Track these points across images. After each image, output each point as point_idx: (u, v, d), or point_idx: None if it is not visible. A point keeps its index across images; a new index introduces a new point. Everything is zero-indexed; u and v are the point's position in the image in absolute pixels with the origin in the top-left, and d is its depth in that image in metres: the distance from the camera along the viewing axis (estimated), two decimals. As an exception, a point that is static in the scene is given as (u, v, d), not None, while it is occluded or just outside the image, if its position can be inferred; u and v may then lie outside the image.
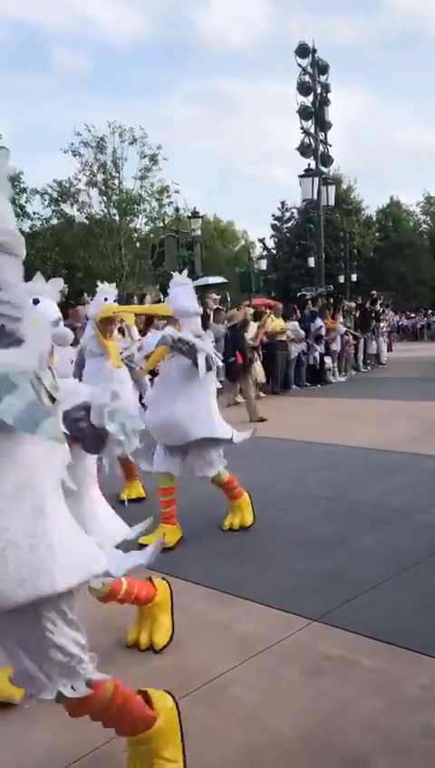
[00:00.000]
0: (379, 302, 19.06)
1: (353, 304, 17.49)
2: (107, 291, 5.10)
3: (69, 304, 9.99)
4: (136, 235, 18.86)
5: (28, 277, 1.90)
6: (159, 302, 12.34)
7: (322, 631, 3.00)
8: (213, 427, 4.24)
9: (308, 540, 4.21)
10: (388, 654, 2.76)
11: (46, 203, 19.18)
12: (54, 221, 19.73)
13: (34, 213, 20.04)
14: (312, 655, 2.80)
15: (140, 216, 18.61)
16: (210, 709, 2.44)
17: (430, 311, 37.06)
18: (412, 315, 35.95)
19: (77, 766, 2.16)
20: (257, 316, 12.36)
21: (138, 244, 18.91)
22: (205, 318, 10.81)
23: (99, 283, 5.23)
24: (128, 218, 18.30)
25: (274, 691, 2.55)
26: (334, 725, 2.31)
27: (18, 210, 20.10)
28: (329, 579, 3.58)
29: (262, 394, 11.92)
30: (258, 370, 11.69)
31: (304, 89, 18.07)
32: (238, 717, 2.38)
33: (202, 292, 13.78)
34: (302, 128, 18.15)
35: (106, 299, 5.05)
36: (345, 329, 14.75)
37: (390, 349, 20.17)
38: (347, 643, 2.88)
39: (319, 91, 18.33)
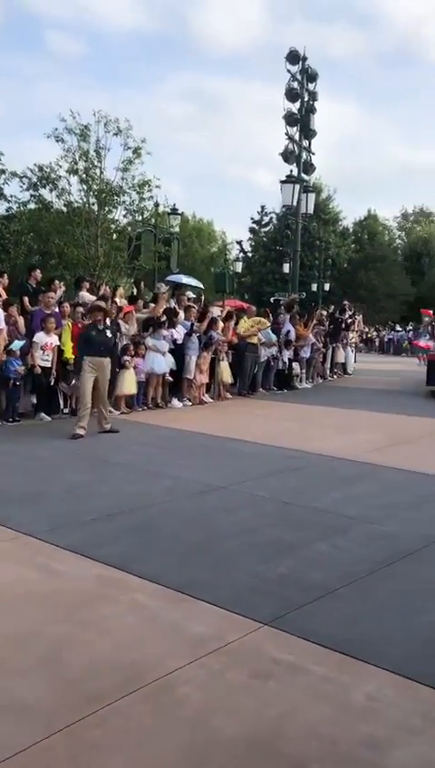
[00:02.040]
0: (348, 312, 19.23)
1: (325, 313, 17.60)
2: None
3: (39, 291, 9.88)
4: (114, 226, 18.69)
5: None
6: (133, 295, 12.31)
7: (272, 635, 3.00)
8: None
9: (264, 543, 4.22)
10: (337, 662, 2.77)
11: (25, 186, 18.91)
12: (32, 205, 19.48)
13: (12, 196, 19.76)
14: (261, 658, 2.80)
15: (119, 208, 18.45)
16: (156, 708, 2.41)
17: (397, 325, 37.56)
18: (399, 329, 36.29)
19: None
20: (228, 317, 12.39)
21: (114, 236, 18.74)
22: (175, 314, 10.79)
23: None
24: (106, 209, 18.12)
25: (222, 692, 2.54)
26: (280, 730, 2.31)
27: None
28: (282, 583, 3.59)
29: (228, 395, 11.94)
30: (224, 371, 11.72)
31: (291, 95, 18.13)
32: (185, 717, 2.37)
33: (176, 289, 13.73)
34: (287, 134, 18.22)
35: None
36: (314, 340, 14.84)
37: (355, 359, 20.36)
38: (297, 649, 2.88)
39: (306, 98, 18.42)
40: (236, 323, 12.49)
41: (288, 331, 13.78)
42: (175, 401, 10.66)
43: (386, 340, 35.42)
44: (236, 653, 2.84)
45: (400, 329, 36.59)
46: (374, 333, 36.84)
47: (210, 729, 2.30)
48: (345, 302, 20.75)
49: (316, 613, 3.22)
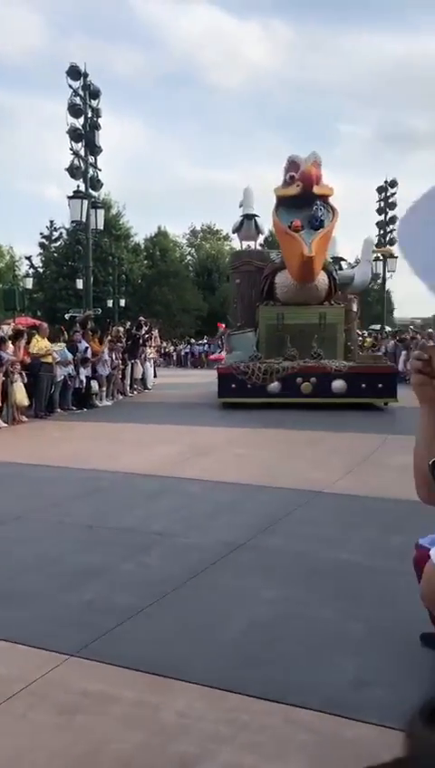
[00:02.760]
0: (145, 327, 19.48)
1: (121, 329, 17.66)
2: None
3: None
4: None
5: None
6: None
7: (80, 666, 2.91)
8: None
9: (68, 571, 4.08)
10: (146, 684, 2.75)
11: None
12: None
13: None
14: (69, 692, 2.69)
15: None
16: None
17: (192, 339, 38.80)
18: (195, 342, 37.26)
19: None
20: (17, 335, 11.93)
21: None
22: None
23: None
24: None
25: (27, 737, 2.40)
26: (92, 766, 2.23)
27: None
28: (89, 610, 3.50)
29: (24, 418, 11.48)
30: (18, 392, 11.26)
31: (74, 110, 18.00)
32: (-14, 773, 2.20)
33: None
34: (72, 149, 18.06)
35: None
36: (107, 357, 14.77)
37: (154, 374, 20.65)
38: (106, 676, 2.81)
39: (90, 114, 18.41)
40: (29, 342, 12.06)
41: (86, 348, 13.60)
42: (-34, 428, 10.02)
43: (183, 353, 36.39)
44: (41, 691, 2.70)
45: (194, 341, 37.82)
46: (172, 347, 37.69)
47: (16, 780, 2.16)
48: (142, 318, 20.98)
49: (124, 637, 3.18)
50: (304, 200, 13.23)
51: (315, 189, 13.31)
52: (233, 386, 12.85)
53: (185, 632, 3.22)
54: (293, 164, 13.61)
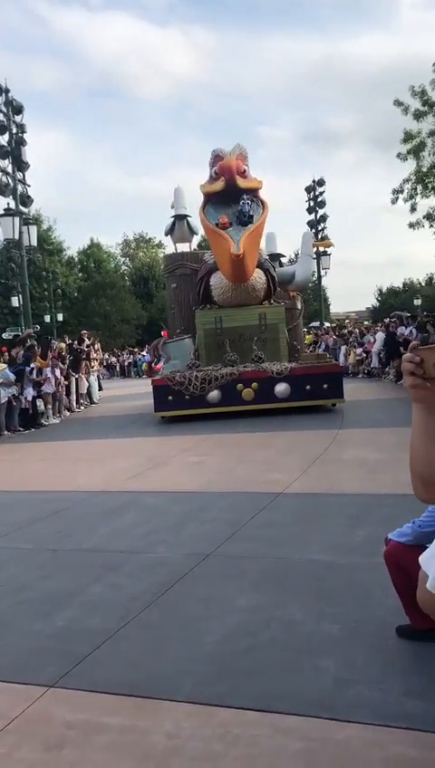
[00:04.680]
0: (87, 341, 19.27)
1: (63, 345, 17.41)
2: None
3: None
4: None
5: None
6: None
7: (61, 697, 2.84)
8: None
9: (35, 598, 3.99)
10: (132, 707, 2.71)
11: None
12: None
13: None
14: (53, 726, 2.63)
15: None
16: None
17: (136, 348, 38.55)
18: (139, 352, 36.79)
19: None
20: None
21: None
22: None
23: None
24: None
25: (14, 778, 2.34)
26: (84, 800, 2.18)
27: None
28: (63, 637, 3.42)
29: (-29, 443, 11.19)
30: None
31: (-2, 127, 17.71)
32: None
33: None
34: (-2, 167, 17.75)
35: None
36: (49, 375, 14.52)
37: (100, 387, 20.45)
38: (89, 704, 2.76)
39: (15, 131, 18.12)
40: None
41: (32, 369, 13.36)
42: None
43: (126, 364, 36.10)
44: (23, 728, 2.63)
45: (137, 351, 37.54)
46: (114, 358, 37.35)
47: None
48: (84, 332, 20.77)
49: (102, 661, 3.12)
50: (230, 195, 12.52)
51: (241, 183, 12.55)
52: (170, 398, 12.10)
53: (163, 650, 3.19)
54: (217, 158, 12.87)
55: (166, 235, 15.43)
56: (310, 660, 2.96)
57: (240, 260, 11.47)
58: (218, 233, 12.06)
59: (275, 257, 15.78)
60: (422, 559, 2.10)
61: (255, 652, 3.09)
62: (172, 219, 14.96)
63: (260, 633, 3.28)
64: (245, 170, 12.81)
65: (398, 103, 20.12)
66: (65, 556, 4.81)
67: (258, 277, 12.84)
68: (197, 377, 12.04)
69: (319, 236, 27.87)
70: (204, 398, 12.00)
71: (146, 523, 5.53)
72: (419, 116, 19.97)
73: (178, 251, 15.07)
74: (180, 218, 14.82)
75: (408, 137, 20.33)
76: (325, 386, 12.06)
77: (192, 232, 15.17)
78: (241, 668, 2.94)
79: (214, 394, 12.02)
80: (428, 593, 2.02)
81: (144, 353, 34.58)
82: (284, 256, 17.80)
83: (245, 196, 12.43)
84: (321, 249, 27.06)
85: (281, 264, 16.16)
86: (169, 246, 15.98)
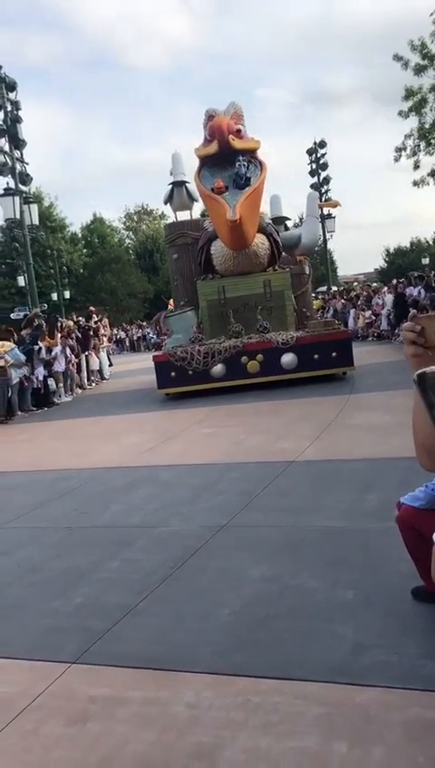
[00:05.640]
0: (95, 317, 19.26)
1: (71, 323, 17.40)
2: None
3: None
4: None
5: None
6: None
7: (82, 673, 2.89)
8: None
9: (54, 577, 4.05)
10: (152, 680, 2.75)
11: None
12: None
13: None
14: (76, 701, 2.68)
15: None
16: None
17: (144, 322, 38.45)
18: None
19: None
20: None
21: None
22: None
23: None
24: None
25: (42, 753, 2.39)
26: (109, 773, 2.23)
27: None
28: (82, 614, 3.47)
29: (-15, 425, 11.27)
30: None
31: (-8, 106, 17.52)
32: (5, 796, 2.18)
33: None
34: (-5, 145, 17.59)
35: None
36: (60, 349, 14.50)
37: (110, 363, 20.48)
38: (111, 679, 2.81)
39: (9, 108, 17.91)
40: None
41: (40, 348, 13.37)
42: None
43: (135, 338, 36.08)
44: (47, 705, 2.68)
45: (145, 325, 37.47)
46: (123, 333, 37.33)
47: (36, 799, 2.15)
48: (91, 308, 20.73)
49: (122, 636, 3.17)
50: (226, 158, 11.69)
51: (236, 144, 11.71)
52: (172, 374, 11.63)
53: (181, 623, 3.23)
54: (211, 118, 12.00)
55: (165, 203, 14.61)
56: (326, 627, 2.99)
57: (237, 225, 10.79)
58: (214, 198, 11.36)
59: (281, 221, 15.12)
60: None
61: (271, 622, 3.13)
62: (170, 186, 14.24)
63: (275, 602, 3.31)
64: (241, 130, 12.05)
65: (397, 58, 19.70)
66: (80, 533, 4.86)
67: (260, 243, 12.18)
68: (199, 351, 11.59)
69: (323, 198, 27.46)
70: (208, 372, 11.57)
71: (160, 496, 5.57)
72: (419, 70, 19.56)
73: (179, 219, 14.39)
74: (179, 185, 14.09)
75: (409, 93, 19.92)
76: (334, 354, 11.53)
77: (192, 199, 14.31)
78: (258, 638, 2.98)
79: (218, 368, 11.56)
80: None
81: (148, 329, 34.49)
82: (289, 219, 16.89)
83: (241, 158, 11.63)
84: (326, 211, 26.63)
85: (286, 228, 15.49)
86: (171, 216, 15.18)
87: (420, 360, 1.41)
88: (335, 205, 18.08)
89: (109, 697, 2.67)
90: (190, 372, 11.57)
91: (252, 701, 2.50)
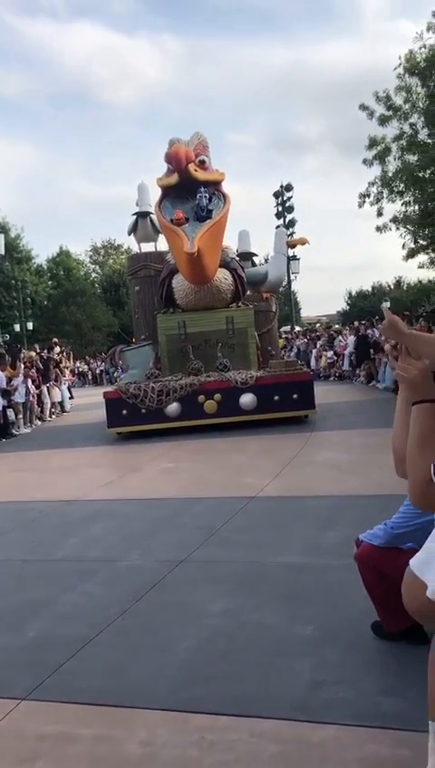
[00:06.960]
0: (57, 349, 19.14)
1: (33, 353, 17.24)
2: None
3: None
4: None
5: None
6: None
7: (33, 709, 2.80)
8: None
9: (7, 610, 3.93)
10: (106, 717, 2.67)
11: None
12: None
13: None
14: (26, 739, 2.58)
15: None
16: None
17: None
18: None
19: None
20: None
21: None
22: None
23: None
24: None
25: (-14, 794, 2.29)
26: None
27: None
28: (35, 648, 3.37)
29: None
30: None
31: (-37, 135, 17.55)
32: None
33: None
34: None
35: None
36: (21, 381, 14.32)
37: (71, 396, 20.27)
38: (63, 716, 2.72)
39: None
40: None
41: (2, 379, 13.20)
42: None
43: (98, 371, 35.87)
44: (-4, 743, 2.58)
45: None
46: (86, 366, 37.10)
47: None
48: (54, 340, 20.61)
49: (76, 671, 3.08)
50: (188, 189, 11.30)
51: (199, 175, 11.30)
52: (124, 412, 10.97)
53: (137, 658, 3.16)
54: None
55: (129, 234, 14.02)
56: (285, 663, 2.96)
57: (196, 258, 10.32)
58: (173, 229, 10.91)
59: (248, 256, 14.73)
60: (415, 565, 2.07)
61: (229, 656, 3.08)
62: (135, 217, 13.69)
63: (233, 637, 3.27)
64: (205, 161, 11.65)
65: (363, 107, 20.37)
66: (37, 566, 4.75)
67: (223, 278, 11.78)
68: (153, 388, 10.96)
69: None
70: (162, 411, 10.94)
71: (119, 530, 5.49)
72: (384, 120, 20.24)
73: (143, 251, 13.78)
74: (143, 216, 13.51)
75: (373, 143, 20.58)
76: (295, 396, 11.01)
77: (156, 230, 13.52)
78: (216, 673, 2.93)
79: (173, 407, 10.96)
80: (429, 602, 1.97)
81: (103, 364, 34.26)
82: (256, 255, 16.63)
83: (202, 189, 11.21)
84: (291, 252, 26.96)
85: (253, 264, 15.19)
86: (136, 249, 14.79)
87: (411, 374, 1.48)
88: (304, 242, 17.91)
89: (60, 734, 2.59)
90: (143, 411, 10.97)
91: (207, 738, 2.45)
